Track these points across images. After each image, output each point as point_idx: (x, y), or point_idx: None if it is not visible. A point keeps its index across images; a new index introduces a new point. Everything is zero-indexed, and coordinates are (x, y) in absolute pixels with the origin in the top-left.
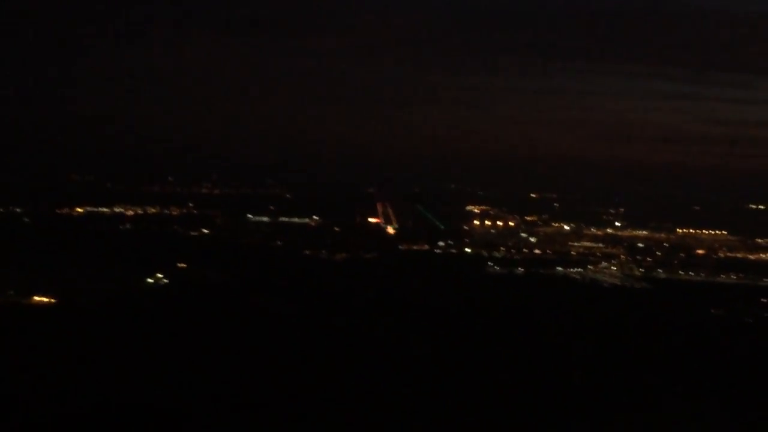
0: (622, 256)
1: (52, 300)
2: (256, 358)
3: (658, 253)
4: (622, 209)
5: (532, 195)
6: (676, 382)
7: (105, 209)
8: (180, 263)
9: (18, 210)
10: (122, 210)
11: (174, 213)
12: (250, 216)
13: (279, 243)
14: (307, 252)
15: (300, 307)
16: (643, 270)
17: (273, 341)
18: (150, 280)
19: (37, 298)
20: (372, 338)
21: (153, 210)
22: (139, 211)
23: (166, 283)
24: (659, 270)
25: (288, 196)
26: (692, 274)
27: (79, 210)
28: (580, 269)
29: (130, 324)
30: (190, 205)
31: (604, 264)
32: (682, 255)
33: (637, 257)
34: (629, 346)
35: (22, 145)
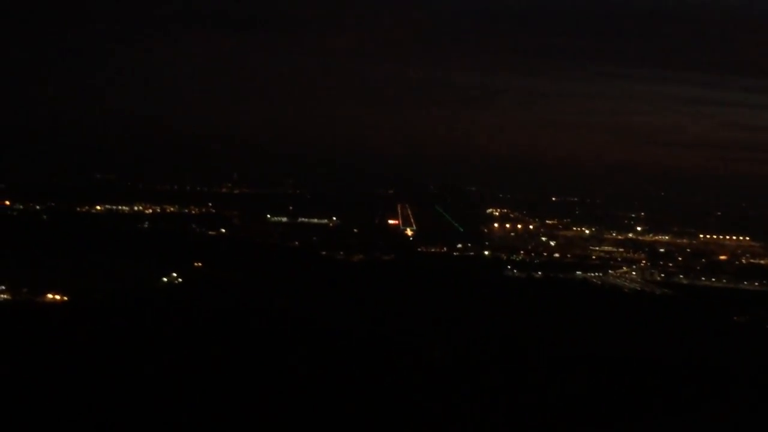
0: (643, 261)
1: (64, 298)
2: (268, 360)
3: (680, 259)
4: (643, 214)
5: (553, 198)
6: (697, 390)
7: (125, 207)
8: (196, 262)
9: (37, 207)
10: (141, 208)
11: (193, 212)
12: (269, 216)
13: (296, 243)
14: (324, 253)
15: (314, 308)
16: (664, 275)
17: (285, 342)
18: (165, 279)
19: (50, 296)
20: (385, 341)
21: (172, 209)
22: (158, 210)
23: (180, 283)
24: (681, 276)
25: (308, 196)
26: (714, 280)
27: (98, 208)
28: (600, 274)
29: (139, 323)
30: (210, 204)
31: (624, 269)
32: (704, 261)
33: (659, 262)
34: (649, 352)
35: (44, 142)
